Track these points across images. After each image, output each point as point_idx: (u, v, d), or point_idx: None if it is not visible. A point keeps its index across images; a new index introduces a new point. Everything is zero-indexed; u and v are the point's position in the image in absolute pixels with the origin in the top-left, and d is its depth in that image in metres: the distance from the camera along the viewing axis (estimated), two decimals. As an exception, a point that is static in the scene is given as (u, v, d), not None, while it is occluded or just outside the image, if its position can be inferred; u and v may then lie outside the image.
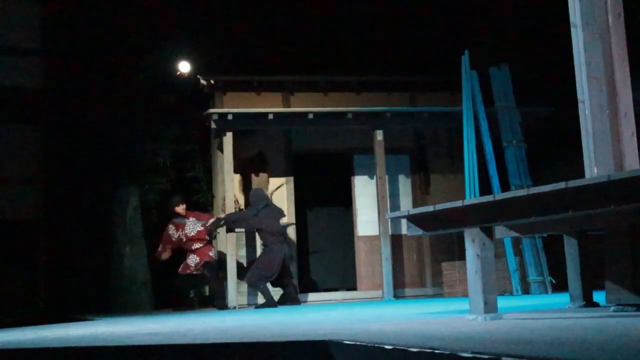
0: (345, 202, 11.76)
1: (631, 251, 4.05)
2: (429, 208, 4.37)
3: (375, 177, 10.84)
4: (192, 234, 9.97)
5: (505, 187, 9.95)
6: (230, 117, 10.37)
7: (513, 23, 12.07)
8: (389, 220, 10.45)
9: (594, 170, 4.22)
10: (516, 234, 4.86)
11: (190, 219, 10.06)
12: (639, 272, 4.01)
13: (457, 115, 10.52)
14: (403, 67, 11.93)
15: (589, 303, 4.84)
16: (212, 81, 11.11)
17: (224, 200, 10.49)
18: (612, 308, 4.10)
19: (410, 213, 4.67)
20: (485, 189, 9.95)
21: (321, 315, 5.92)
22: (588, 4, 4.38)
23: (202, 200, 11.62)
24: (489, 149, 10.30)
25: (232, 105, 10.90)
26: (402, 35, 12.34)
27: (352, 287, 11.39)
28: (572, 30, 4.54)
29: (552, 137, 11.27)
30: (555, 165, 10.99)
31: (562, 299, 5.88)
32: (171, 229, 10.10)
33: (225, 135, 10.42)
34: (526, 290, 9.67)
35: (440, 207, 4.27)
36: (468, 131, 10.32)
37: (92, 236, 11.56)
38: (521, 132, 10.56)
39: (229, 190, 10.36)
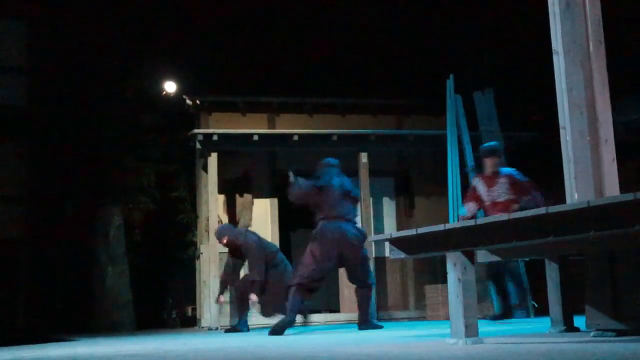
0: (329, 224, 11.73)
1: (611, 276, 4.08)
2: (412, 231, 4.38)
3: (359, 199, 10.85)
4: None
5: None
6: (215, 137, 10.38)
7: (498, 49, 12.20)
8: (373, 242, 10.45)
9: (574, 196, 4.25)
10: (499, 258, 4.87)
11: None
12: (619, 298, 4.03)
13: (442, 138, 10.58)
14: (388, 90, 12.01)
15: (570, 328, 4.86)
16: (197, 101, 11.13)
17: (208, 220, 10.46)
18: (592, 333, 4.12)
19: (393, 236, 4.68)
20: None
21: (302, 338, 5.90)
22: (570, 32, 4.44)
23: (185, 220, 11.58)
24: (473, 174, 10.34)
25: (218, 126, 10.90)
26: (388, 59, 12.45)
27: (335, 309, 11.35)
28: (554, 57, 4.60)
29: (535, 162, 11.35)
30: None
31: (544, 323, 5.89)
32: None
33: (210, 155, 10.42)
34: (510, 315, 9.66)
35: (422, 230, 4.28)
36: (452, 155, 10.37)
37: (74, 255, 11.48)
38: (505, 157, 10.61)
39: (213, 210, 10.33)
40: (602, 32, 4.52)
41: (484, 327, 5.75)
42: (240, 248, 8.21)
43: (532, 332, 5.23)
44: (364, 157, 10.75)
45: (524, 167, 11.03)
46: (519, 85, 11.68)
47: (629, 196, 3.10)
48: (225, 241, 8.24)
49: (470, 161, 10.39)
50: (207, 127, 10.87)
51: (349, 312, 10.97)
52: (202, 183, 11.10)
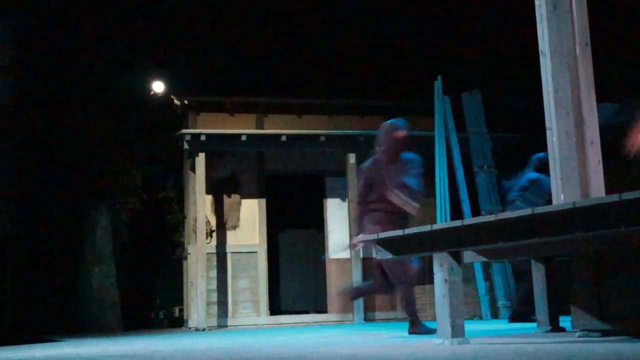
0: (317, 224, 11.76)
1: (596, 277, 4.10)
2: (398, 232, 4.39)
3: (347, 200, 10.86)
4: None
5: (476, 212, 10.02)
6: (203, 137, 10.36)
7: (486, 50, 12.24)
8: (359, 243, 10.44)
9: (560, 197, 4.27)
10: (485, 259, 4.89)
11: None
12: (604, 298, 4.05)
13: (430, 139, 10.60)
14: (377, 91, 12.02)
15: (556, 328, 4.88)
16: (185, 101, 11.10)
17: (195, 221, 10.44)
18: (577, 334, 4.14)
19: (380, 237, 4.69)
20: (457, 213, 10.02)
21: (289, 338, 5.90)
22: (556, 34, 4.46)
23: (173, 221, 11.55)
24: (460, 174, 10.38)
25: (206, 126, 10.88)
26: (376, 60, 12.47)
27: (323, 310, 11.36)
28: (541, 58, 4.61)
29: (522, 163, 11.39)
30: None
31: (531, 323, 5.92)
32: None
33: (197, 156, 10.39)
34: (495, 315, 9.72)
35: (409, 231, 4.29)
36: (440, 156, 10.40)
37: (60, 256, 11.43)
38: (492, 158, 10.67)
39: (201, 211, 10.31)
40: (588, 34, 4.54)
41: (471, 327, 5.77)
42: None
43: (519, 332, 5.25)
44: (352, 158, 10.75)
45: (511, 168, 11.10)
46: (507, 87, 11.72)
47: (615, 197, 3.12)
48: None
49: (458, 162, 10.42)
50: (195, 128, 10.85)
51: (337, 312, 10.98)
52: (189, 183, 11.08)
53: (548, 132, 4.51)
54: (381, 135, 6.30)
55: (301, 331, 7.87)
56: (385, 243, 4.63)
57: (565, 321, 4.76)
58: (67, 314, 11.16)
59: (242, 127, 10.98)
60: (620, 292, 3.98)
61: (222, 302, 10.64)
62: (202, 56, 12.29)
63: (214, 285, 10.59)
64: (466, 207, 10.17)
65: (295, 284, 12.83)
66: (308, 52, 12.50)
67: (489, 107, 11.07)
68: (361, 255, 10.59)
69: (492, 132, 10.89)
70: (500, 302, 9.73)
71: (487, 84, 11.36)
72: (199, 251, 10.19)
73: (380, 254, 4.74)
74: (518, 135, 11.29)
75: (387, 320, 10.88)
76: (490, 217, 3.65)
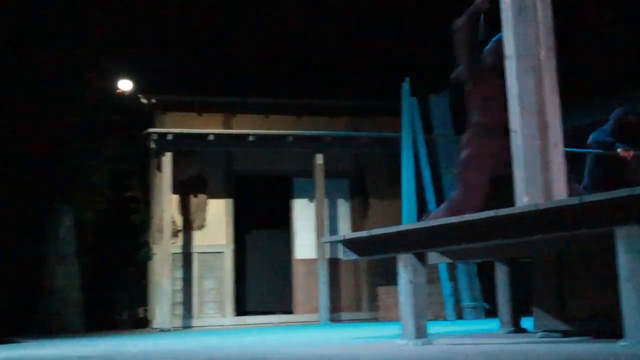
0: (284, 224, 11.74)
1: (557, 279, 4.15)
2: (364, 233, 4.40)
3: (314, 200, 10.86)
4: None
5: (442, 213, 10.08)
6: (170, 137, 10.28)
7: (454, 52, 12.29)
8: (326, 243, 10.47)
9: (524, 199, 4.30)
10: (449, 260, 4.92)
11: None
12: (565, 299, 4.10)
13: (397, 141, 10.65)
14: (345, 92, 12.03)
15: (518, 329, 4.93)
16: (153, 100, 11.01)
17: (161, 221, 10.35)
18: (538, 334, 4.18)
19: (346, 238, 4.70)
20: (423, 214, 10.06)
21: (255, 339, 5.88)
22: (522, 38, 4.50)
23: (139, 220, 11.44)
24: (427, 176, 10.44)
25: (173, 125, 10.80)
26: (345, 61, 12.47)
27: (289, 311, 11.34)
28: (507, 62, 4.65)
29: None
30: (491, 194, 11.18)
31: (495, 324, 5.97)
32: None
33: (164, 155, 10.31)
34: (460, 316, 9.78)
35: (374, 232, 4.30)
36: (407, 157, 10.45)
37: (23, 255, 11.23)
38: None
39: (167, 211, 10.23)
40: (553, 39, 4.59)
41: (435, 328, 5.80)
42: None
43: (482, 332, 5.29)
44: (319, 159, 10.75)
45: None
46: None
47: (575, 200, 3.16)
48: None
49: (424, 164, 10.47)
50: (163, 127, 10.76)
51: (303, 313, 10.97)
52: (156, 183, 10.98)
53: (512, 135, 4.54)
54: None
55: (267, 332, 7.84)
56: (351, 244, 4.63)
57: (528, 322, 4.81)
58: (30, 314, 10.98)
59: (210, 127, 10.92)
60: (580, 294, 4.03)
61: (188, 303, 10.57)
62: (171, 55, 12.18)
63: (179, 285, 10.52)
64: (432, 208, 10.22)
65: (261, 284, 12.79)
66: (277, 52, 12.47)
67: (457, 109, 11.13)
68: (327, 256, 10.60)
69: (460, 134, 10.96)
70: (465, 303, 9.80)
71: (455, 86, 11.41)
72: (164, 251, 10.10)
73: (346, 255, 4.73)
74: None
75: (352, 320, 10.90)
76: (454, 219, 3.67)
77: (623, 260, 2.98)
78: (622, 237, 2.94)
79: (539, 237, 3.46)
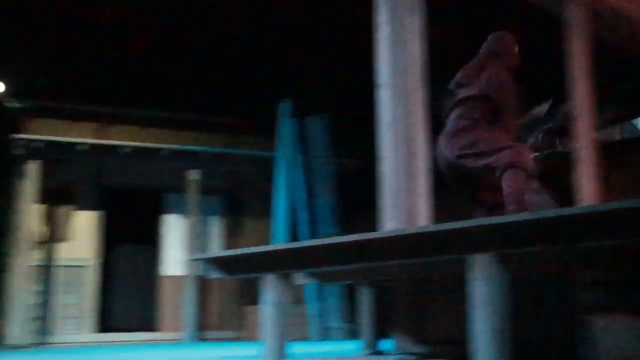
0: (153, 240, 11.48)
1: (416, 302, 4.27)
2: (230, 252, 4.36)
3: (186, 216, 10.69)
4: None
5: (317, 235, 10.18)
6: (37, 144, 9.85)
7: (336, 75, 12.52)
8: (194, 261, 10.32)
9: (388, 224, 4.41)
10: (316, 281, 4.96)
11: None
12: (423, 323, 4.22)
13: (273, 160, 10.68)
14: (225, 109, 11.96)
15: (378, 351, 5.02)
16: (21, 105, 10.51)
17: (21, 231, 9.86)
18: (397, 356, 4.28)
19: (212, 256, 4.64)
20: (299, 235, 10.12)
21: (112, 358, 5.69)
22: (394, 67, 4.63)
23: (-2, 230, 10.86)
24: (300, 197, 10.52)
25: (43, 133, 10.35)
26: (226, 78, 12.41)
27: (155, 328, 11.06)
28: (379, 89, 4.78)
29: (363, 189, 11.72)
30: (364, 217, 11.40)
31: (359, 345, 6.05)
32: None
33: (30, 163, 9.86)
34: (326, 337, 9.88)
35: (240, 251, 4.27)
36: (282, 177, 10.50)
37: None
38: (333, 182, 10.90)
39: (28, 221, 9.77)
40: (421, 68, 4.76)
41: (299, 348, 5.82)
42: None
43: (343, 354, 5.35)
44: (194, 174, 10.62)
45: (352, 193, 11.41)
46: (352, 113, 12.03)
47: (433, 227, 3.26)
48: None
49: (299, 185, 10.55)
50: (32, 133, 10.29)
51: (168, 331, 10.73)
52: (19, 192, 10.47)
53: (382, 161, 4.66)
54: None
55: (128, 350, 7.61)
56: (218, 262, 4.58)
57: (389, 344, 4.91)
58: None
59: (82, 136, 10.55)
60: (437, 317, 4.16)
61: (47, 318, 10.10)
62: (44, 59, 11.70)
63: (37, 299, 10.03)
64: (304, 229, 10.31)
65: (128, 300, 12.42)
66: (157, 63, 12.24)
67: (335, 132, 11.31)
68: (196, 273, 10.44)
69: (336, 157, 11.14)
70: (331, 324, 9.91)
71: (334, 109, 11.61)
72: (22, 263, 9.62)
73: (212, 273, 4.67)
74: (360, 161, 11.60)
75: (219, 339, 10.77)
76: (316, 242, 3.71)
77: (475, 286, 3.10)
78: (475, 264, 3.05)
79: (401, 261, 3.54)
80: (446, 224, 3.03)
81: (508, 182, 4.04)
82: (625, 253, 2.87)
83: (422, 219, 4.51)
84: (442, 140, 4.54)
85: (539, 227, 2.73)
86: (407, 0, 4.64)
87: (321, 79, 12.38)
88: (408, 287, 4.34)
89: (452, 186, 4.59)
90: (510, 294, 3.09)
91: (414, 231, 3.38)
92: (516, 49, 4.64)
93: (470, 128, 4.41)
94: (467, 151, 4.32)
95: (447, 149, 4.47)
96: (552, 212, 2.70)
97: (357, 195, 11.61)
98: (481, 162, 4.24)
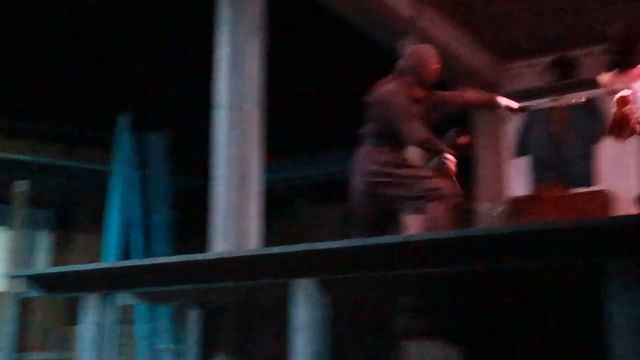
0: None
1: (241, 325, 4.28)
2: (52, 269, 4.19)
3: (11, 229, 10.09)
4: None
5: (151, 254, 9.95)
6: None
7: (177, 91, 12.37)
8: (12, 278, 9.76)
9: (219, 245, 4.41)
10: (143, 301, 4.85)
11: None
12: (247, 345, 4.24)
13: (109, 174, 10.35)
14: (59, 118, 11.46)
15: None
16: None
17: None
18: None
19: (33, 273, 4.43)
20: (132, 253, 9.85)
21: None
22: (229, 87, 4.66)
23: None
24: (136, 214, 10.25)
25: None
26: (65, 87, 11.91)
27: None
28: (216, 111, 4.79)
29: (201, 208, 11.62)
30: (201, 236, 11.32)
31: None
32: None
33: None
34: (155, 358, 9.65)
35: (63, 269, 4.12)
36: (117, 193, 10.19)
37: None
38: (171, 201, 10.72)
39: None
40: (259, 92, 4.82)
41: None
42: None
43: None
44: (21, 186, 10.06)
45: (188, 212, 11.27)
46: (194, 131, 11.92)
47: (260, 251, 3.30)
48: None
49: (134, 202, 10.29)
50: None
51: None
52: None
53: (214, 182, 4.66)
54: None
55: None
56: (39, 280, 4.37)
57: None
58: None
59: None
60: (262, 340, 4.19)
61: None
62: None
63: None
64: (138, 248, 10.05)
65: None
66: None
67: (175, 149, 11.15)
68: (17, 290, 9.86)
69: (175, 175, 10.98)
70: (160, 346, 9.70)
71: (175, 126, 11.45)
72: None
73: (32, 291, 4.45)
74: (199, 180, 11.50)
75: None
76: (137, 261, 3.66)
77: (299, 310, 3.16)
78: (298, 289, 3.12)
79: (228, 284, 3.54)
80: (270, 248, 3.08)
81: (429, 211, 3.96)
82: (435, 280, 3.04)
83: (253, 242, 4.55)
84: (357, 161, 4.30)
85: (358, 254, 2.83)
86: (248, 23, 4.69)
87: (162, 94, 12.18)
88: (235, 310, 4.34)
89: (363, 208, 4.35)
90: (332, 318, 3.18)
91: (240, 254, 3.41)
92: (433, 62, 4.39)
93: (376, 151, 4.24)
94: (382, 179, 4.12)
95: (360, 171, 4.23)
96: (370, 240, 2.82)
97: (194, 214, 11.49)
98: (396, 191, 4.10)
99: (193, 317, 5.11)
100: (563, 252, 2.59)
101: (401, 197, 4.08)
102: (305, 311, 3.12)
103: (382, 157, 4.16)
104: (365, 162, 4.17)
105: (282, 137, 9.63)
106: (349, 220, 4.61)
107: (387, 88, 4.32)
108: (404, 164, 4.19)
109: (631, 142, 7.94)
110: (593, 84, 8.51)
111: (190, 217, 11.39)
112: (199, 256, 3.50)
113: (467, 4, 7.42)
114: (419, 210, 4.00)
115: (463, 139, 4.72)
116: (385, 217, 4.33)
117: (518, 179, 8.41)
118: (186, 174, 11.47)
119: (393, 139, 4.20)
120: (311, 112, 11.17)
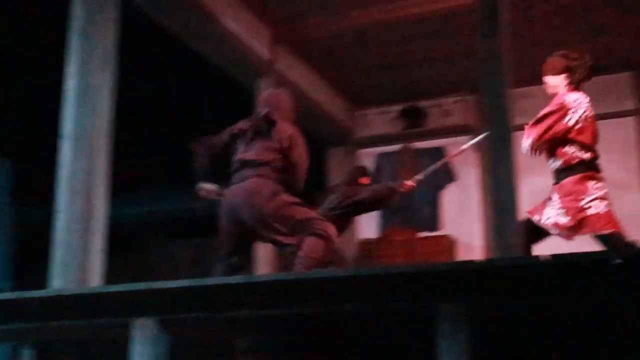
0: None
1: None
2: None
3: None
4: None
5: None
6: None
7: (23, 118, 11.80)
8: None
9: (58, 281, 4.22)
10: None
11: None
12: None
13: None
14: None
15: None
16: None
17: None
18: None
19: None
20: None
21: None
22: (77, 119, 4.51)
23: None
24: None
25: None
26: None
27: None
28: (62, 141, 4.60)
29: (45, 242, 11.09)
30: (44, 271, 10.80)
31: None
32: None
33: None
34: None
35: None
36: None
37: None
38: (11, 233, 10.20)
39: None
40: (111, 124, 4.68)
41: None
42: None
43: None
44: None
45: (30, 246, 10.71)
46: (40, 161, 11.39)
47: (100, 289, 3.20)
48: None
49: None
50: None
51: None
52: None
53: (57, 215, 4.47)
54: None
55: None
56: None
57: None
58: None
59: None
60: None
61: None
62: None
63: None
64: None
65: None
66: None
67: (18, 179, 10.63)
68: None
69: (16, 206, 10.45)
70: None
71: (20, 154, 10.92)
72: None
73: None
74: (43, 212, 10.99)
75: None
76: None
77: (137, 350, 3.08)
78: (138, 328, 3.04)
79: (64, 322, 3.40)
80: (110, 286, 3.00)
81: (308, 246, 3.60)
82: (276, 321, 3.06)
83: (95, 279, 4.38)
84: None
85: (197, 295, 2.81)
86: (98, 55, 4.56)
87: (8, 121, 11.59)
88: (73, 348, 4.16)
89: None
90: (173, 357, 3.12)
91: (77, 291, 3.29)
92: (287, 106, 4.04)
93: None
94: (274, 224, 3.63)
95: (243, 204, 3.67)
96: (208, 280, 2.80)
97: (37, 248, 10.92)
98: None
99: (26, 357, 4.85)
100: (399, 295, 2.68)
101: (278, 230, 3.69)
102: (145, 350, 3.04)
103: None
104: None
105: (132, 171, 9.41)
106: (202, 259, 4.60)
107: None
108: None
109: (474, 188, 8.43)
110: (440, 132, 9.04)
111: (32, 251, 10.82)
112: (34, 293, 3.34)
113: (322, 50, 7.60)
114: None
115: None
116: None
117: (369, 221, 8.61)
118: (31, 205, 10.92)
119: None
120: (164, 147, 11.00)
